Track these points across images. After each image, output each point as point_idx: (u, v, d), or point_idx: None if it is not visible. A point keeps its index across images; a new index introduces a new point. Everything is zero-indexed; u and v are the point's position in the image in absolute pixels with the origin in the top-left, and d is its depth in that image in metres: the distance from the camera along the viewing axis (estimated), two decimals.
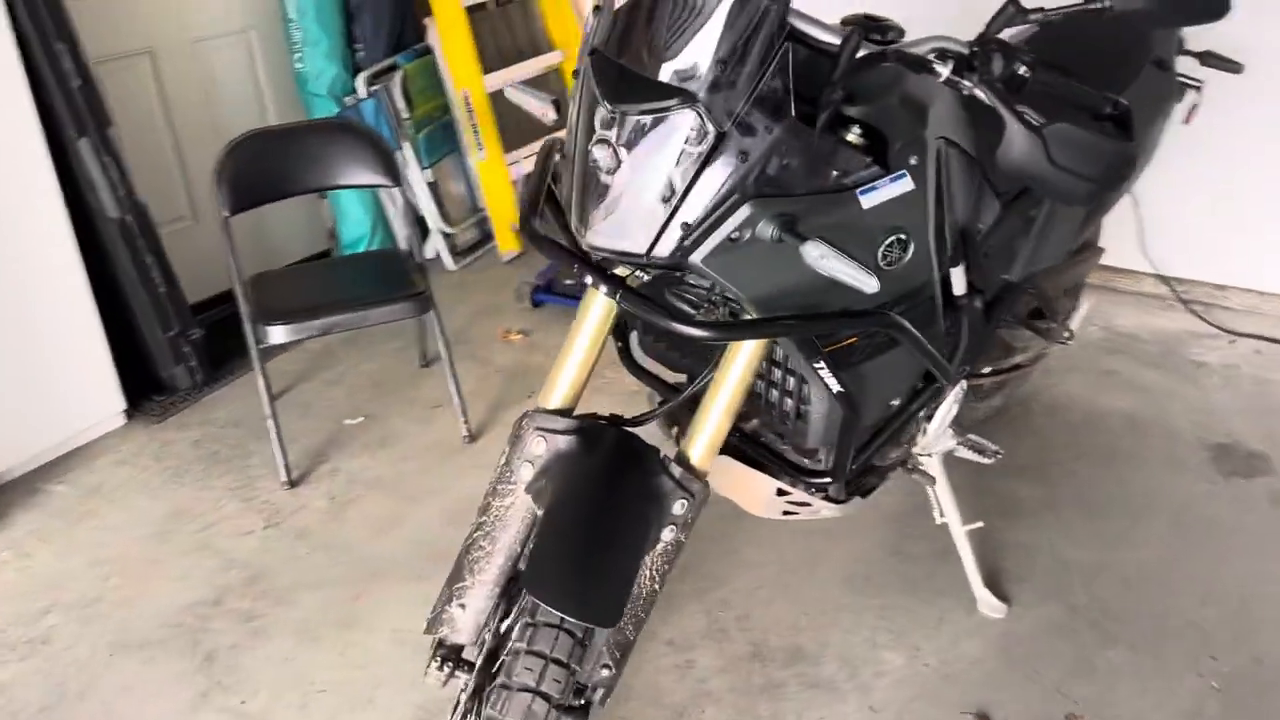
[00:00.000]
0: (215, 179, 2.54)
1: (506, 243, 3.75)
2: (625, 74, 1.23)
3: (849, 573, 2.21)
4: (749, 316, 1.34)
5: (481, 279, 3.69)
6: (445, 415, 2.84)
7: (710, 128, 1.17)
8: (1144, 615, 2.05)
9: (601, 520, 1.33)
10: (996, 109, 1.27)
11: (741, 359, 1.42)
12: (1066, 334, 2.14)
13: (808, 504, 1.80)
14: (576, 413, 1.48)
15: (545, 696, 1.26)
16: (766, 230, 1.24)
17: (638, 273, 1.45)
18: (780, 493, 1.78)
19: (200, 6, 3.26)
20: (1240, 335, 2.95)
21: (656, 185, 1.21)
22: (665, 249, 1.25)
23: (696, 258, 1.25)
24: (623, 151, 1.23)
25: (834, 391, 1.45)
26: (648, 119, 1.20)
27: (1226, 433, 2.57)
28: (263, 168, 2.63)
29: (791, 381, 1.58)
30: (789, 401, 1.60)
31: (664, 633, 2.06)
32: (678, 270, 1.31)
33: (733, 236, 1.24)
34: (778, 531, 2.30)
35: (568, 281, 3.35)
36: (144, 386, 2.96)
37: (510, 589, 1.47)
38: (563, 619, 1.29)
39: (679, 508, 1.42)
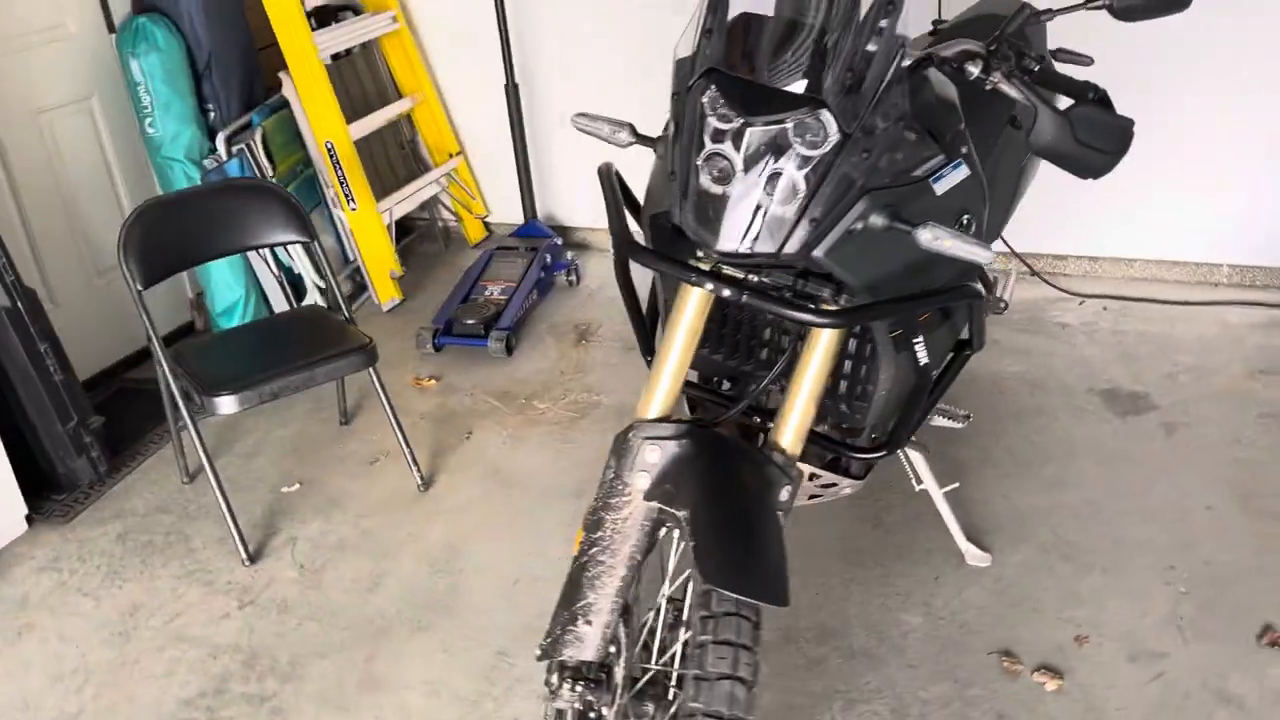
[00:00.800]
0: (121, 253, 2.40)
1: (386, 291, 3.69)
2: (750, 87, 1.32)
3: (843, 549, 2.35)
4: (857, 302, 1.45)
5: (370, 331, 3.59)
6: (387, 468, 2.78)
7: (836, 130, 1.28)
8: (1102, 542, 2.31)
9: (744, 511, 1.40)
10: (1027, 99, 1.45)
11: (823, 346, 1.52)
12: (1002, 304, 2.39)
13: (835, 484, 1.94)
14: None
15: (743, 681, 1.31)
16: (878, 220, 1.36)
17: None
18: (812, 477, 1.90)
19: (40, 76, 3.03)
20: (1087, 296, 3.35)
21: (786, 187, 1.31)
22: (794, 246, 1.34)
23: (820, 251, 1.35)
24: (749, 160, 1.31)
25: (922, 365, 1.58)
26: (775, 127, 1.29)
27: (1107, 379, 2.93)
28: (171, 236, 2.51)
29: (848, 365, 1.70)
30: (842, 384, 1.72)
31: None
32: (791, 266, 1.41)
33: (850, 229, 1.35)
34: None
35: (469, 321, 3.35)
36: (39, 486, 2.71)
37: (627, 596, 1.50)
38: (739, 607, 1.35)
39: (784, 494, 1.51)
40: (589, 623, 1.50)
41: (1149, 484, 2.49)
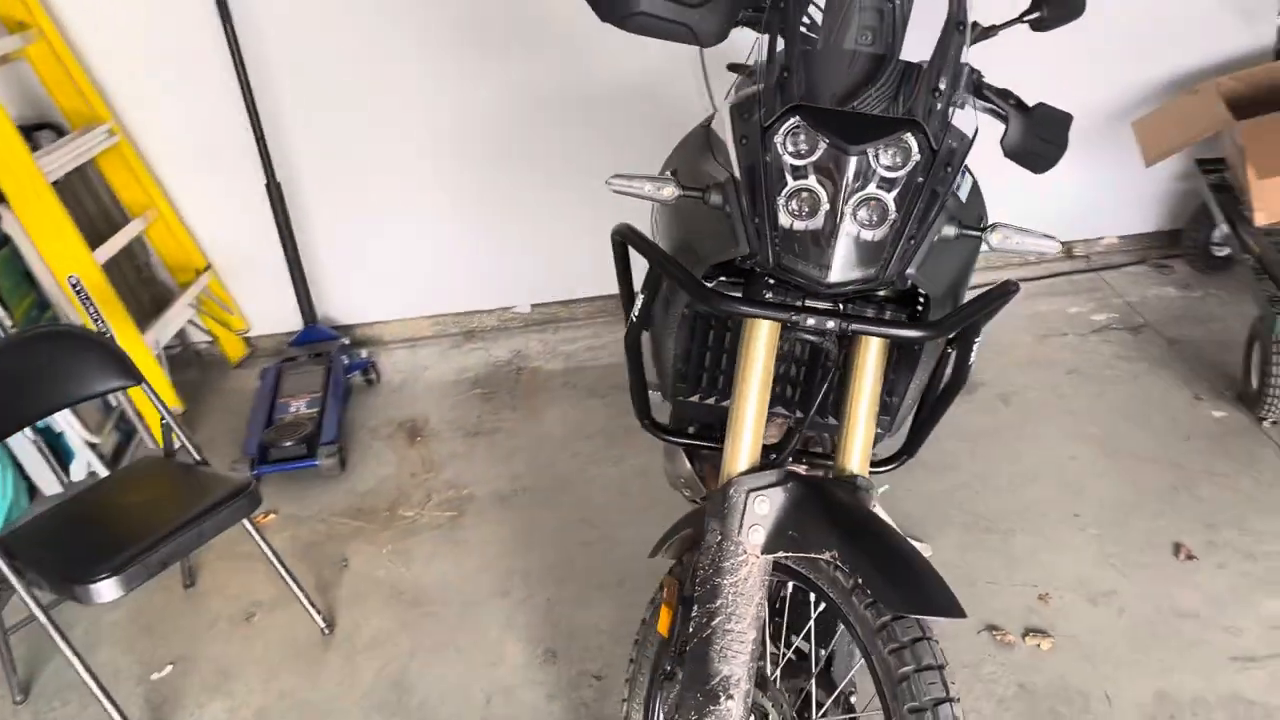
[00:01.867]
0: None
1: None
2: (835, 119, 1.32)
3: None
4: (936, 315, 1.49)
5: None
6: (270, 620, 2.45)
7: (917, 150, 1.32)
8: (1010, 509, 2.52)
9: (882, 535, 1.39)
10: (1001, 107, 1.58)
11: (875, 363, 1.54)
12: None
13: None
14: None
15: (955, 700, 1.29)
16: (951, 231, 1.41)
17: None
18: None
19: None
20: None
21: (879, 211, 1.33)
22: (896, 266, 1.36)
23: (913, 268, 1.38)
24: (843, 190, 1.32)
25: (969, 366, 1.65)
26: (875, 152, 1.30)
27: None
28: None
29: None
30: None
31: None
32: (875, 289, 1.42)
33: (933, 243, 1.39)
34: None
35: (287, 443, 3.03)
36: None
37: None
38: (924, 632, 1.33)
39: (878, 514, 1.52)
40: (730, 697, 1.42)
41: (1016, 450, 2.74)
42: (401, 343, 3.78)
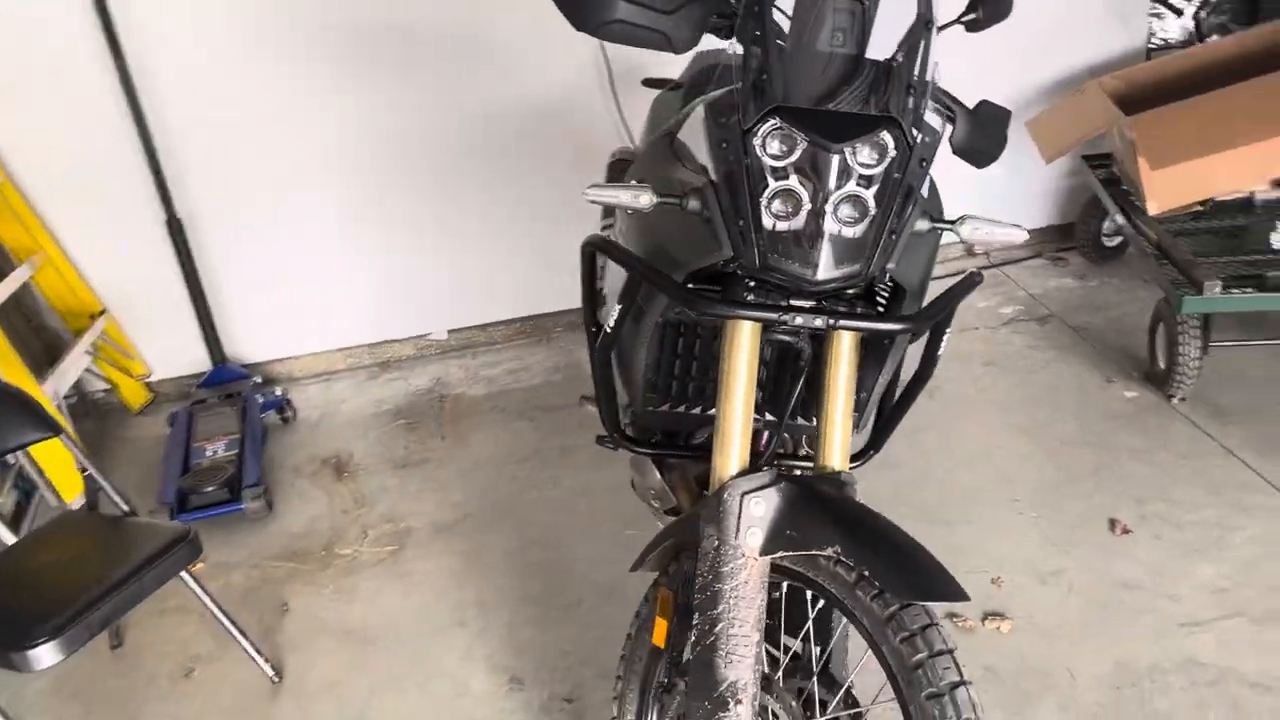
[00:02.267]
0: None
1: (71, 488, 3.06)
2: (820, 117, 1.34)
3: None
4: (909, 308, 1.52)
5: None
6: (213, 673, 2.33)
7: (893, 146, 1.35)
8: (950, 500, 2.59)
9: (882, 527, 1.41)
10: (947, 104, 1.63)
11: (849, 358, 1.55)
12: None
13: None
14: None
15: (969, 683, 1.32)
16: (924, 224, 1.45)
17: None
18: None
19: None
20: None
21: (860, 207, 1.35)
22: (879, 262, 1.38)
23: (892, 263, 1.41)
24: (825, 188, 1.33)
25: (938, 356, 1.68)
26: (853, 150, 1.32)
27: None
28: None
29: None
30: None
31: None
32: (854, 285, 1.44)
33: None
34: None
35: (208, 489, 2.91)
36: None
37: None
38: (931, 618, 1.35)
39: None
40: (739, 701, 1.42)
41: (948, 442, 2.82)
42: (315, 378, 3.67)
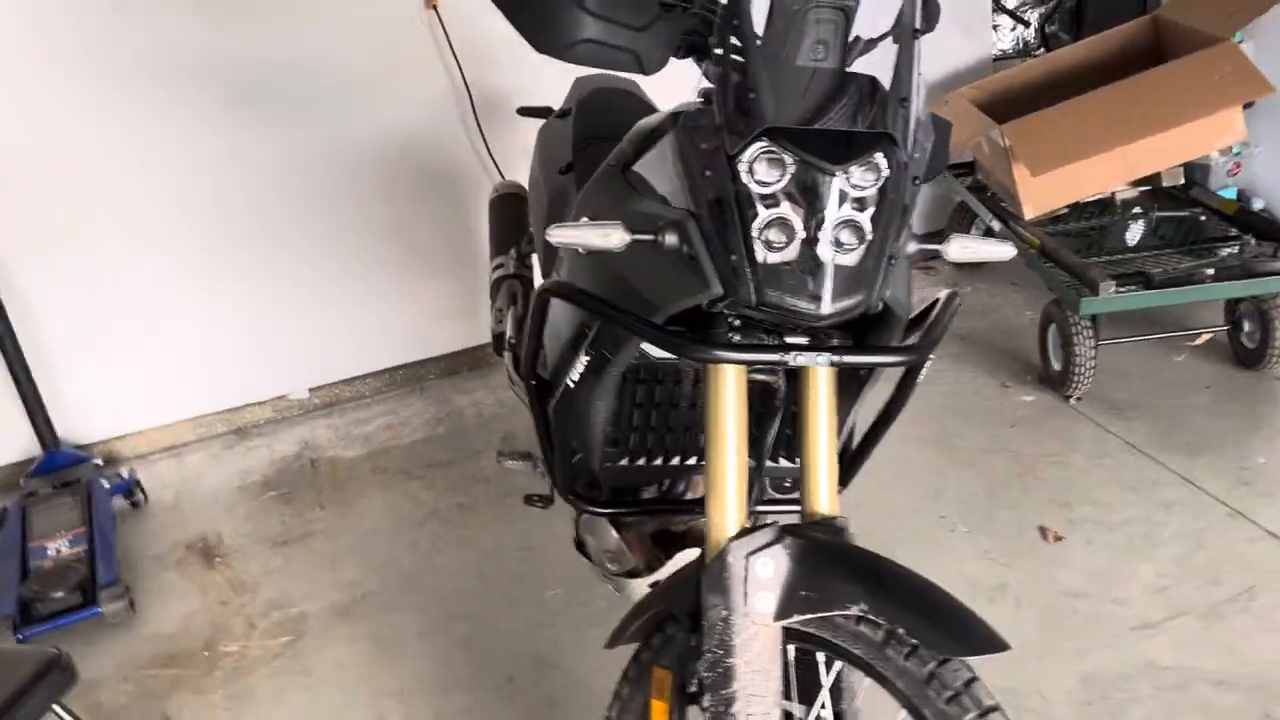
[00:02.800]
0: None
1: None
2: (811, 137, 1.22)
3: None
4: (895, 334, 1.41)
5: None
6: None
7: (897, 162, 1.24)
8: (879, 523, 2.52)
9: (905, 575, 1.29)
10: None
11: (828, 391, 1.44)
12: None
13: None
14: None
15: None
16: (912, 246, 1.35)
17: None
18: None
19: None
20: None
21: (863, 231, 1.23)
22: (882, 290, 1.27)
23: (889, 290, 1.30)
24: (823, 214, 1.21)
25: (917, 384, 1.58)
26: (857, 169, 1.21)
27: None
28: None
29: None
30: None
31: None
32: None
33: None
34: None
35: (57, 594, 2.54)
36: None
37: None
38: (972, 672, 1.24)
39: None
40: None
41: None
42: (163, 452, 3.31)
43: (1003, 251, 1.39)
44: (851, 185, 1.21)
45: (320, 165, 3.19)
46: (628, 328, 1.31)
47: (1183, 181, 3.14)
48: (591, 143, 2.20)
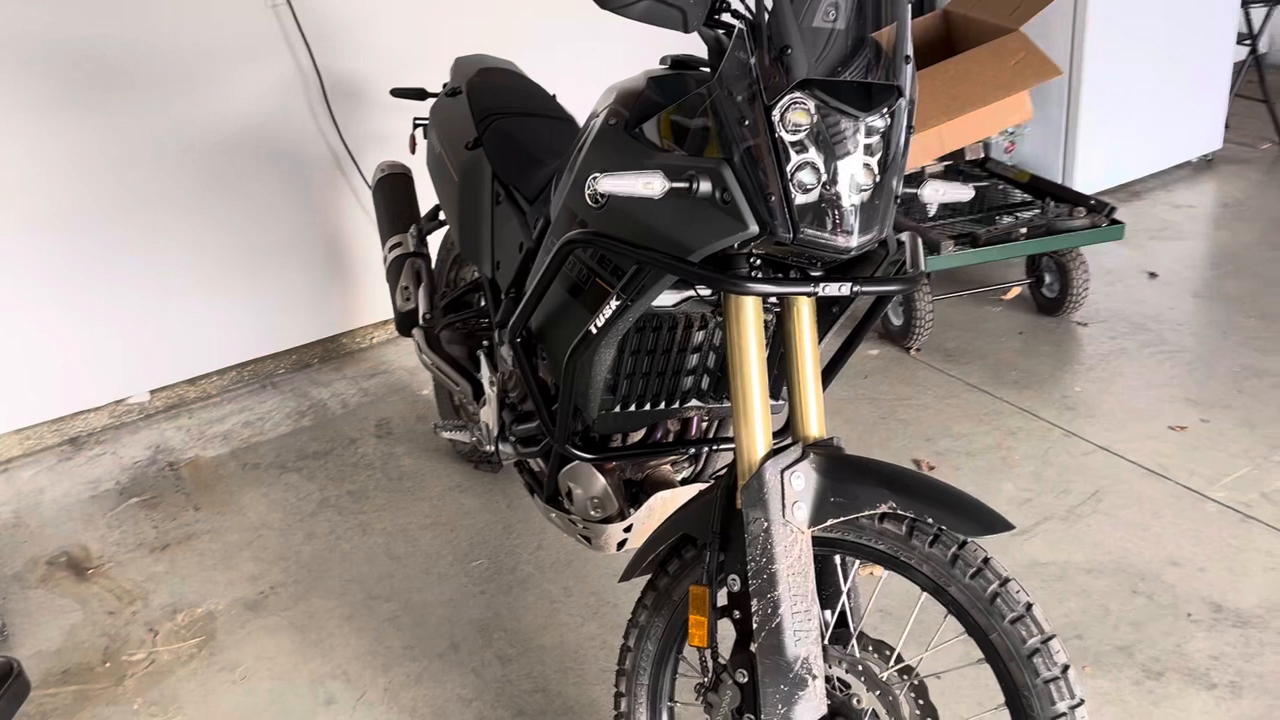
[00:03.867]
0: None
1: None
2: (839, 88, 1.36)
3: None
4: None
5: None
6: None
7: (898, 114, 1.41)
8: None
9: (919, 477, 1.46)
10: None
11: (810, 322, 1.58)
12: None
13: None
14: None
15: (1034, 602, 1.41)
16: (898, 185, 1.52)
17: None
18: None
19: None
20: None
21: (876, 173, 1.39)
22: (889, 225, 1.44)
23: (891, 225, 1.47)
24: (847, 156, 1.37)
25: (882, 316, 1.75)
26: (874, 117, 1.36)
27: None
28: None
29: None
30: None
31: None
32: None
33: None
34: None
35: None
36: None
37: None
38: (986, 552, 1.43)
39: None
40: (815, 676, 1.42)
41: None
42: None
43: (965, 193, 1.59)
44: (871, 132, 1.37)
45: (156, 154, 3.03)
46: (669, 269, 1.41)
47: (983, 155, 3.55)
48: (494, 118, 2.26)
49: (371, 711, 2.07)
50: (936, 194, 1.55)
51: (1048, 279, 3.32)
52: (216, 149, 3.11)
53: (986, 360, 3.15)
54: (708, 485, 1.58)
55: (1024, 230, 3.07)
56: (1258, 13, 4.68)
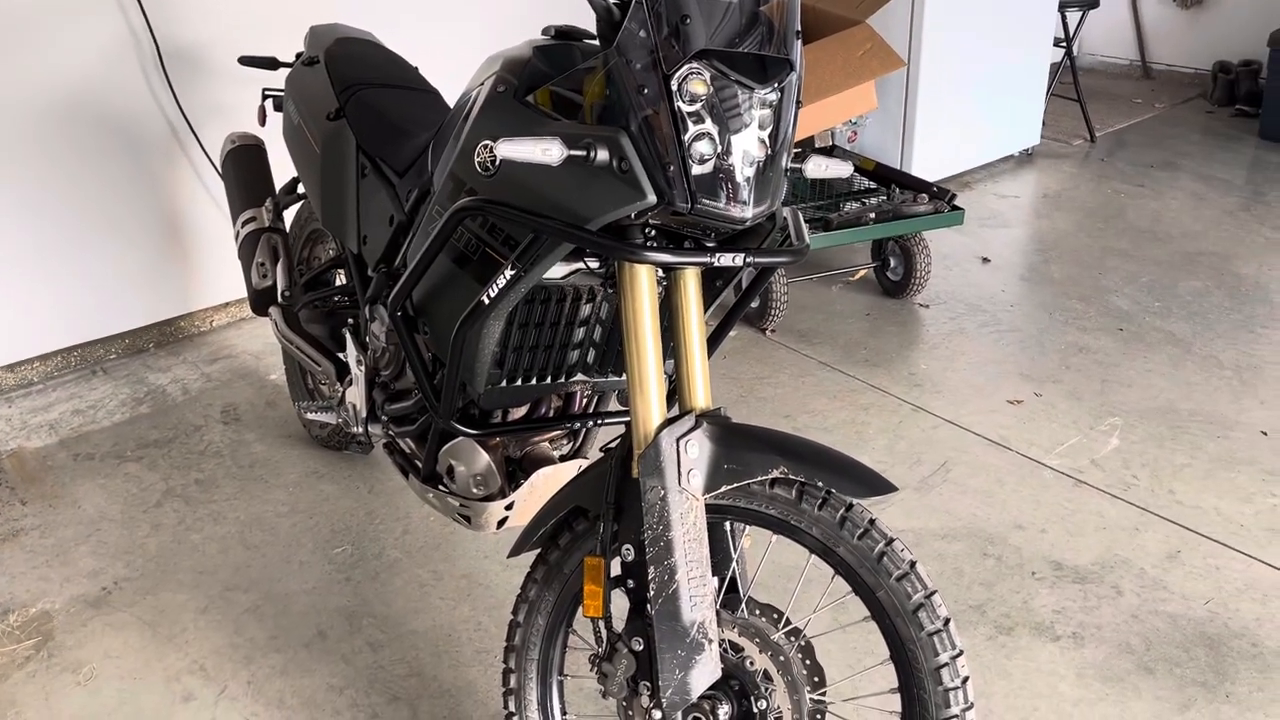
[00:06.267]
0: None
1: None
2: (735, 59, 1.37)
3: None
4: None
5: None
6: None
7: (787, 88, 1.44)
8: None
9: (806, 443, 1.50)
10: None
11: (695, 294, 1.59)
12: None
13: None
14: None
15: (916, 561, 1.47)
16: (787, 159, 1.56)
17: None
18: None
19: None
20: None
21: (767, 145, 1.42)
22: (781, 196, 1.48)
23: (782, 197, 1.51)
24: (741, 128, 1.39)
25: (769, 286, 1.78)
26: (767, 90, 1.39)
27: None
28: None
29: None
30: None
31: None
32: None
33: None
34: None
35: None
36: None
37: None
38: (870, 513, 1.48)
39: None
40: (710, 639, 1.45)
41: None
42: None
43: (845, 169, 1.65)
44: (761, 105, 1.39)
45: None
46: (567, 237, 1.40)
47: (831, 144, 3.67)
48: (356, 88, 2.19)
49: (235, 705, 1.97)
50: (820, 169, 1.60)
51: (892, 263, 3.47)
52: (40, 115, 2.88)
53: (837, 340, 3.27)
54: (600, 458, 1.57)
55: (872, 215, 3.19)
56: (1073, 16, 5.02)
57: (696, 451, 1.45)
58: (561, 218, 1.42)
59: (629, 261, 1.43)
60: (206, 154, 3.18)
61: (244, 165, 2.47)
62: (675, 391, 1.59)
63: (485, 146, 1.48)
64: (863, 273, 3.61)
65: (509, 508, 1.87)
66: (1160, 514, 2.43)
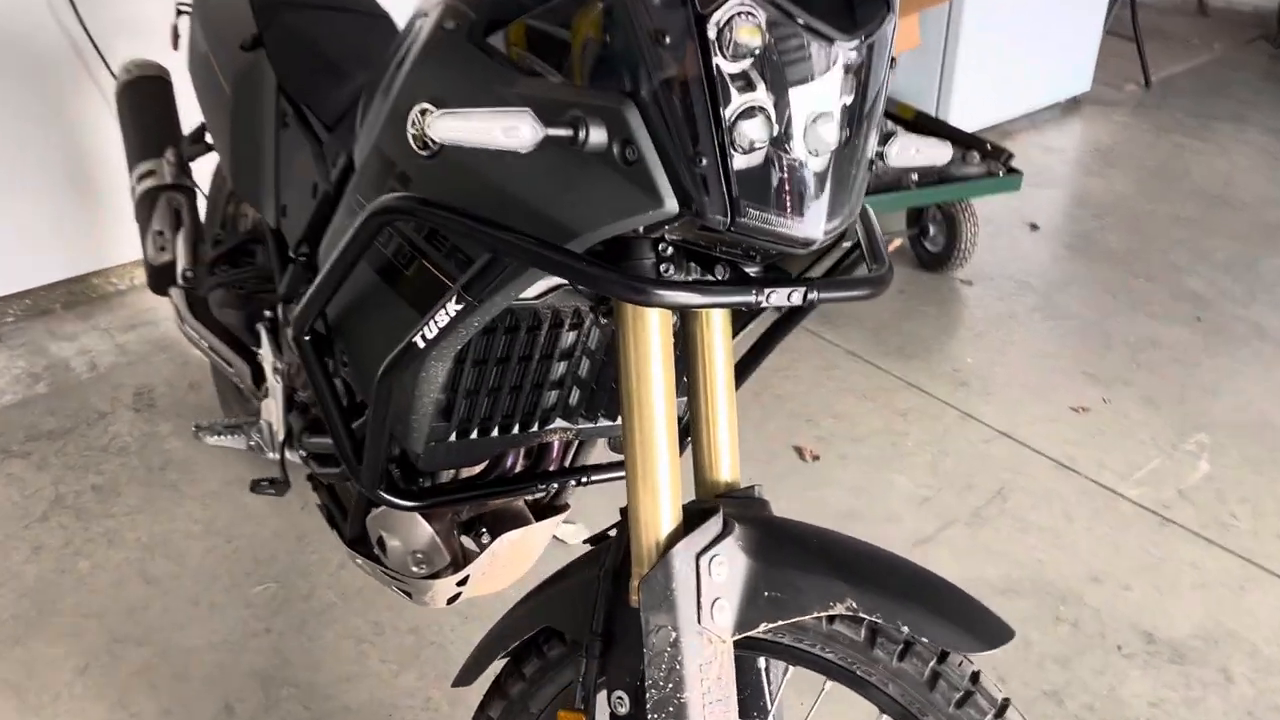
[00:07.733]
0: None
1: None
2: (818, 4, 0.88)
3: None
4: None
5: None
6: None
7: (884, 38, 0.94)
8: None
9: (891, 564, 1.05)
10: None
11: (723, 334, 1.14)
12: None
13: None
14: None
15: None
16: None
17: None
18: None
19: None
20: None
21: (843, 128, 0.93)
22: (860, 202, 1.00)
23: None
24: (833, 94, 0.90)
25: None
26: (853, 44, 0.89)
27: None
28: None
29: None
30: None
31: None
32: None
33: None
34: None
35: None
36: None
37: None
38: (974, 664, 1.04)
39: None
40: None
41: None
42: None
43: (942, 153, 1.15)
44: (843, 65, 0.90)
45: None
46: (539, 262, 0.92)
47: None
48: (282, 9, 1.68)
49: None
50: (908, 154, 1.10)
51: (932, 231, 2.99)
52: None
53: (865, 323, 2.80)
54: (583, 557, 1.12)
55: (915, 177, 2.69)
56: None
57: (725, 573, 0.99)
58: (534, 231, 0.94)
59: (634, 304, 0.95)
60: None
61: (142, 103, 1.95)
62: (683, 445, 1.14)
63: (424, 111, 0.96)
64: (898, 243, 3.12)
65: (462, 583, 1.41)
66: (1269, 567, 2.00)
